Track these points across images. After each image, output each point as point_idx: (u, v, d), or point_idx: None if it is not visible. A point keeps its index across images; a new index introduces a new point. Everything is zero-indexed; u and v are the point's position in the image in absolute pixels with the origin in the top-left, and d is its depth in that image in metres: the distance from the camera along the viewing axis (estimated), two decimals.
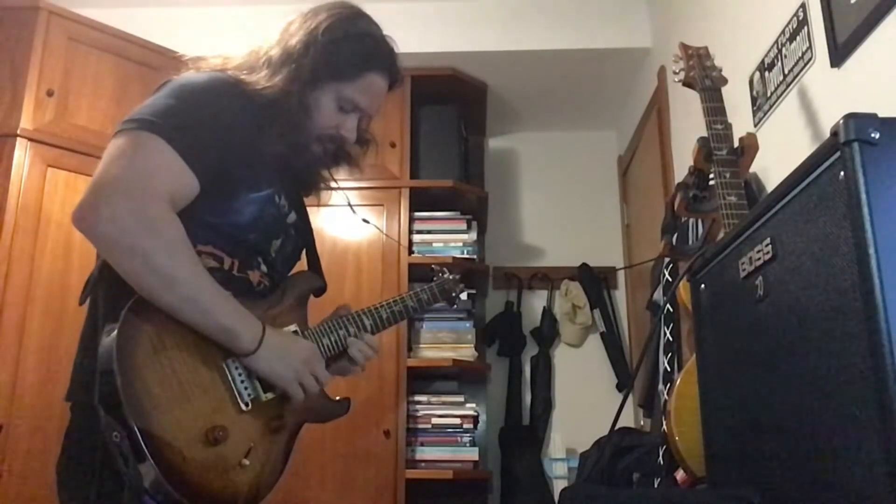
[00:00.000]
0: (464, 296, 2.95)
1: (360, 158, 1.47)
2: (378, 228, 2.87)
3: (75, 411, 1.20)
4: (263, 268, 1.33)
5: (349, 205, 1.72)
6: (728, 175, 1.51)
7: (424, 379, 2.95)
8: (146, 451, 1.03)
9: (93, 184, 1.11)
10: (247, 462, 1.16)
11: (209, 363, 1.16)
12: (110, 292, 1.16)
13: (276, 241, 1.35)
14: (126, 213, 1.08)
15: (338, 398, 1.38)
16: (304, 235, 1.46)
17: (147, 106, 1.20)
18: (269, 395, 1.22)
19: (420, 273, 2.78)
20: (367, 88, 1.38)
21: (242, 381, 1.19)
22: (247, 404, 1.19)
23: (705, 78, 1.67)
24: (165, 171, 1.14)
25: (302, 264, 1.47)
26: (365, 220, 1.75)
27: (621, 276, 3.54)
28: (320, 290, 1.44)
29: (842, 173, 0.85)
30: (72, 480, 1.17)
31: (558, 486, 3.10)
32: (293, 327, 1.33)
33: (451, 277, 1.60)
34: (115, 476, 1.07)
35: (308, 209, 1.49)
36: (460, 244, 3.01)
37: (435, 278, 1.59)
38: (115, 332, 1.07)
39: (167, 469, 1.05)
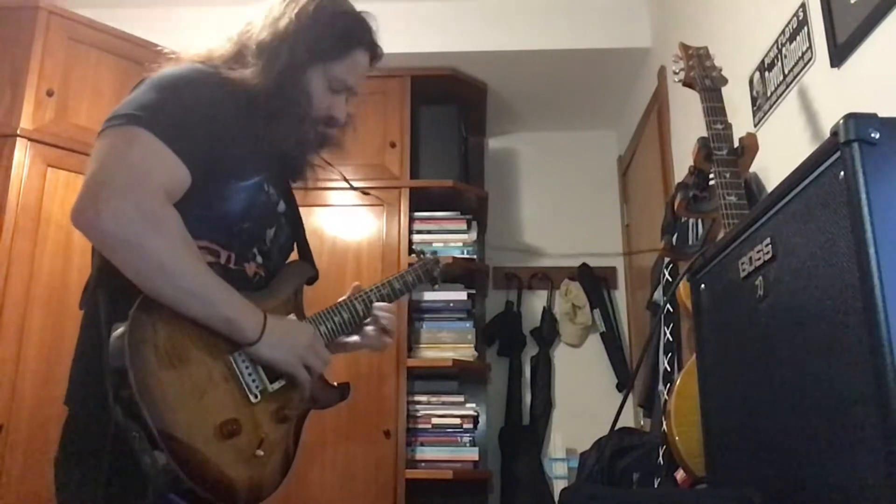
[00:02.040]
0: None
1: (341, 139, 1.46)
2: (364, 191, 2.81)
3: (76, 414, 1.20)
4: (259, 259, 1.33)
5: (345, 179, 1.76)
6: (728, 175, 1.51)
7: (424, 379, 2.94)
8: (164, 446, 1.04)
9: (88, 182, 1.10)
10: (261, 453, 1.18)
11: (217, 358, 1.17)
12: (112, 295, 1.16)
13: (270, 230, 1.35)
14: (127, 210, 1.08)
15: (336, 383, 1.40)
16: (295, 225, 1.46)
17: (130, 102, 1.19)
18: (276, 385, 1.24)
19: None
20: (354, 66, 1.40)
21: (250, 374, 1.21)
22: (255, 396, 1.20)
23: (705, 78, 1.67)
24: (159, 165, 1.14)
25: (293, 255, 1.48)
26: (365, 192, 1.78)
27: (621, 276, 3.54)
28: (313, 279, 1.45)
29: (842, 173, 0.85)
30: (73, 484, 1.16)
31: (558, 486, 3.10)
32: (291, 317, 1.34)
33: (430, 258, 1.68)
34: (124, 480, 1.08)
35: (305, 208, 1.50)
36: (460, 244, 3.01)
37: (417, 260, 1.68)
38: (125, 330, 1.08)
39: (186, 464, 1.06)
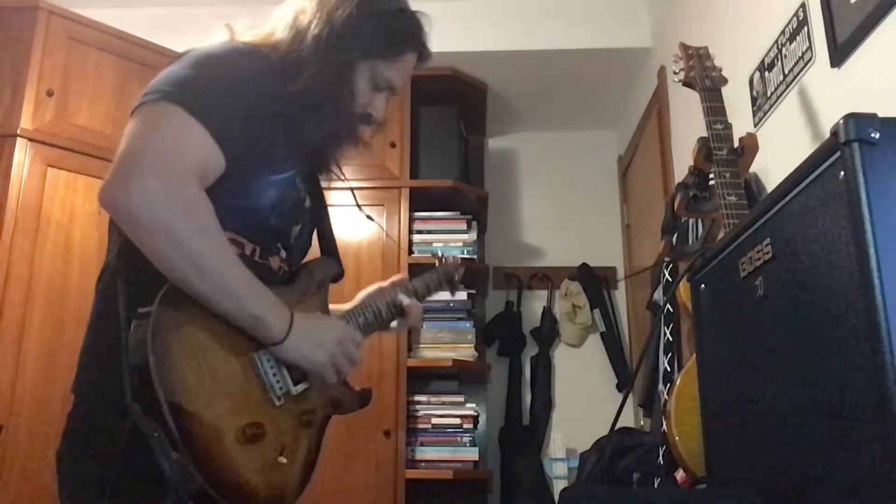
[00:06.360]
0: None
1: (367, 136, 1.40)
2: (379, 225, 2.87)
3: (86, 407, 1.13)
4: (283, 254, 1.28)
5: (353, 196, 1.72)
6: (728, 175, 1.51)
7: (424, 379, 2.95)
8: (184, 446, 0.98)
9: (119, 158, 1.03)
10: (283, 460, 1.12)
11: (241, 356, 1.11)
12: (131, 284, 1.09)
13: (296, 228, 1.30)
14: (159, 192, 1.01)
15: (359, 389, 1.35)
16: (318, 220, 1.41)
17: (166, 77, 1.13)
18: (300, 388, 1.17)
19: (420, 273, 2.78)
20: (404, 67, 1.36)
21: (274, 374, 1.14)
22: (279, 398, 1.14)
23: (705, 78, 1.67)
24: (194, 147, 1.07)
25: (314, 251, 1.43)
26: (369, 217, 1.77)
27: (621, 276, 3.54)
28: (338, 276, 1.40)
29: (842, 173, 0.85)
30: (79, 480, 1.10)
31: (558, 486, 3.10)
32: (317, 314, 1.28)
33: (452, 262, 1.63)
34: (136, 481, 1.01)
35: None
36: (460, 244, 3.01)
37: (437, 264, 1.64)
38: (148, 325, 1.01)
39: (205, 467, 1.01)
